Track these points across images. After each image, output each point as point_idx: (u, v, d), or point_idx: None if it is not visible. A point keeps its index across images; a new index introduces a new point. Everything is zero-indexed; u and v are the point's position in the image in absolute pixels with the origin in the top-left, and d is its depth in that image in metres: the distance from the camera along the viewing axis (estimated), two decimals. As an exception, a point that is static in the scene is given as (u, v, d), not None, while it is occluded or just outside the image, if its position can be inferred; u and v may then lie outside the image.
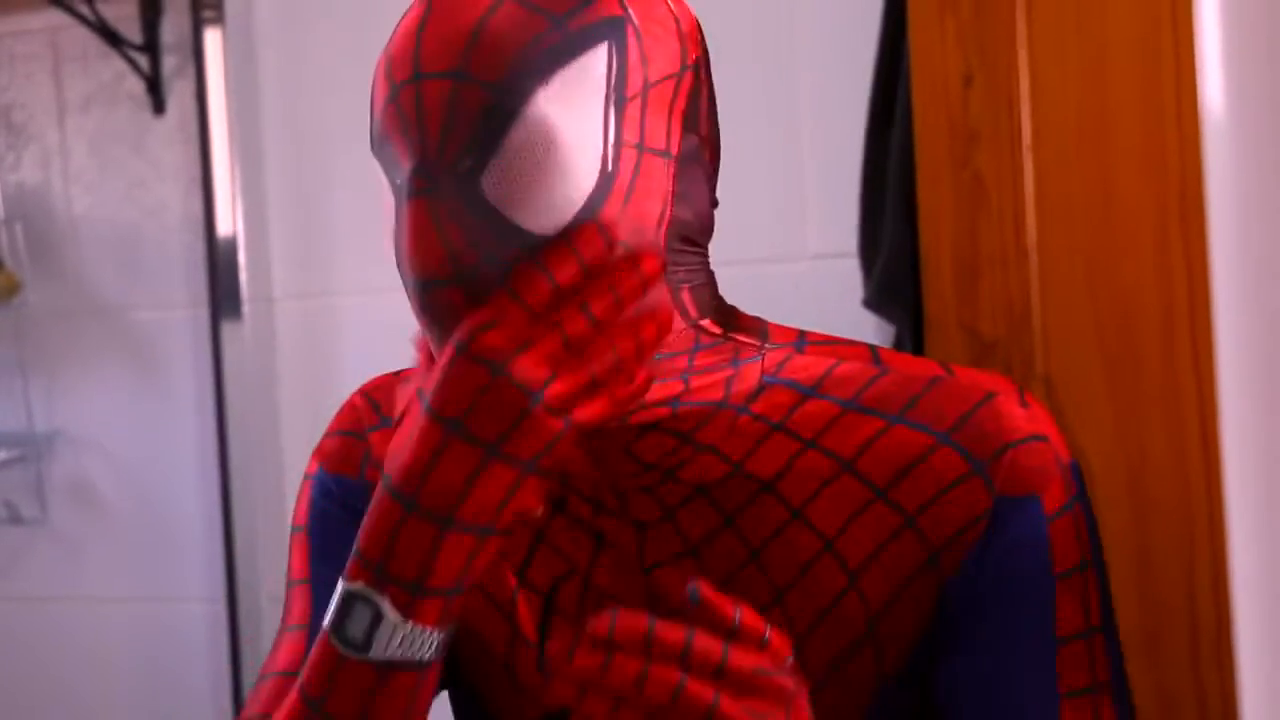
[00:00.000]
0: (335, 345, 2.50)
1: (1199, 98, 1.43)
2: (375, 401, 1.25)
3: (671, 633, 0.94)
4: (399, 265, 1.03)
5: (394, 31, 1.06)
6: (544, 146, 0.99)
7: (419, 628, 1.00)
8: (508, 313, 0.98)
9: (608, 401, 1.00)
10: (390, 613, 1.00)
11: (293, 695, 1.05)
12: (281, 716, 1.05)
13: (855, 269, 1.98)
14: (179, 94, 2.57)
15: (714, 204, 1.13)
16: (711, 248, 1.14)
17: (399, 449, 1.01)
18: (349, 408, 1.26)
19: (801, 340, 1.14)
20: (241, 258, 2.52)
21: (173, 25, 2.57)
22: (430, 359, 1.04)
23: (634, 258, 1.01)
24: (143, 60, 2.56)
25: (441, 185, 0.99)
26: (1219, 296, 0.44)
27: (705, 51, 1.11)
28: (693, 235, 1.09)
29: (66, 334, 2.66)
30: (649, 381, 1.02)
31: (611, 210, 1.01)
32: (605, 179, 1.01)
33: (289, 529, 1.17)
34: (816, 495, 1.08)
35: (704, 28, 1.13)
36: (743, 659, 0.95)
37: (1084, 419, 1.61)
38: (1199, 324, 1.57)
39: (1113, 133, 1.61)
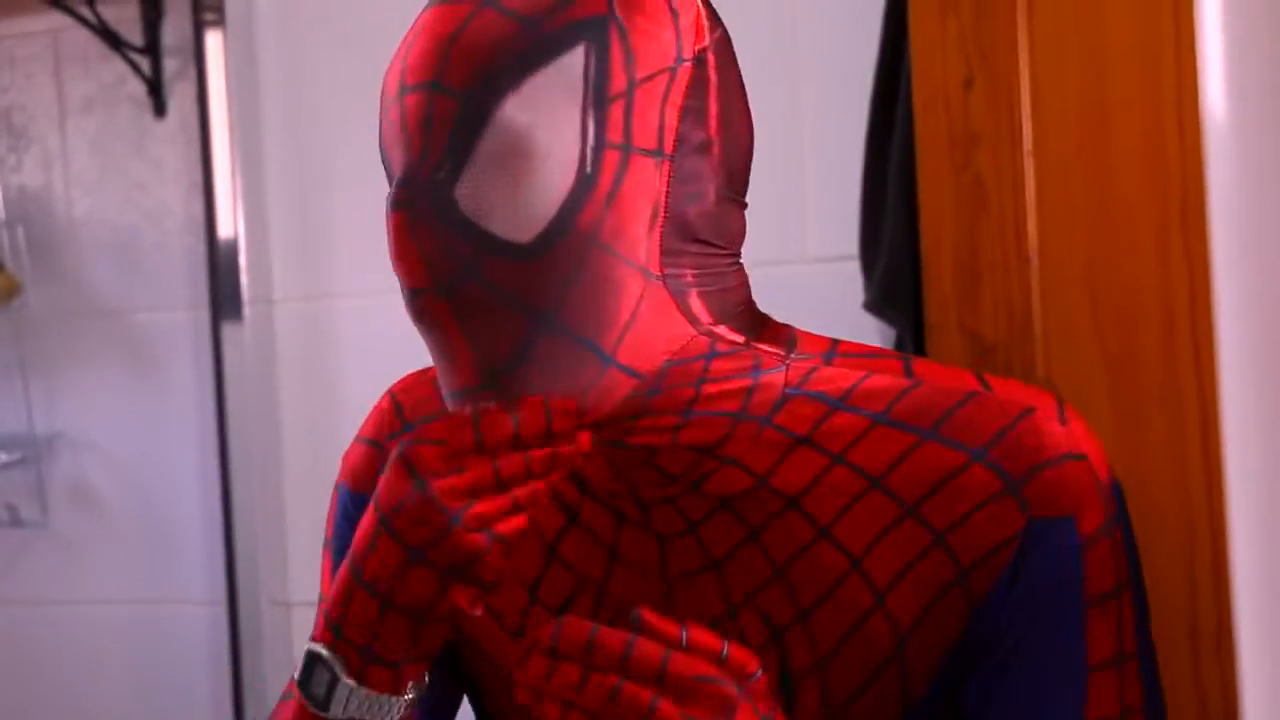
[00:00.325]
0: (336, 348, 2.50)
1: (1200, 100, 1.43)
2: (400, 405, 1.25)
3: (613, 639, 0.96)
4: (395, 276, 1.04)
5: (401, 47, 1.07)
6: (513, 153, 0.99)
7: (373, 693, 1.04)
8: (457, 435, 1.01)
9: (526, 518, 1.03)
10: (344, 676, 1.04)
11: None
12: None
13: (856, 272, 1.98)
14: (180, 96, 2.57)
15: (741, 203, 1.10)
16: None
17: (363, 518, 1.05)
18: (377, 411, 1.27)
19: (832, 351, 1.11)
20: (242, 260, 2.52)
21: (174, 27, 2.57)
22: None
23: (574, 436, 1.02)
24: (144, 62, 2.56)
25: (418, 197, 1.00)
26: (1220, 299, 0.45)
27: (720, 42, 1.08)
28: (704, 235, 1.06)
29: (67, 336, 2.66)
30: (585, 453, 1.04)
31: (591, 214, 1.00)
32: (583, 182, 1.00)
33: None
34: (844, 513, 1.06)
35: (705, 30, 1.12)
36: (684, 666, 0.96)
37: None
38: (1200, 327, 1.57)
39: (1113, 136, 1.61)
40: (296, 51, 2.50)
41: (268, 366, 2.54)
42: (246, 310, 2.52)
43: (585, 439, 1.03)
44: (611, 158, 1.01)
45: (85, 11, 2.52)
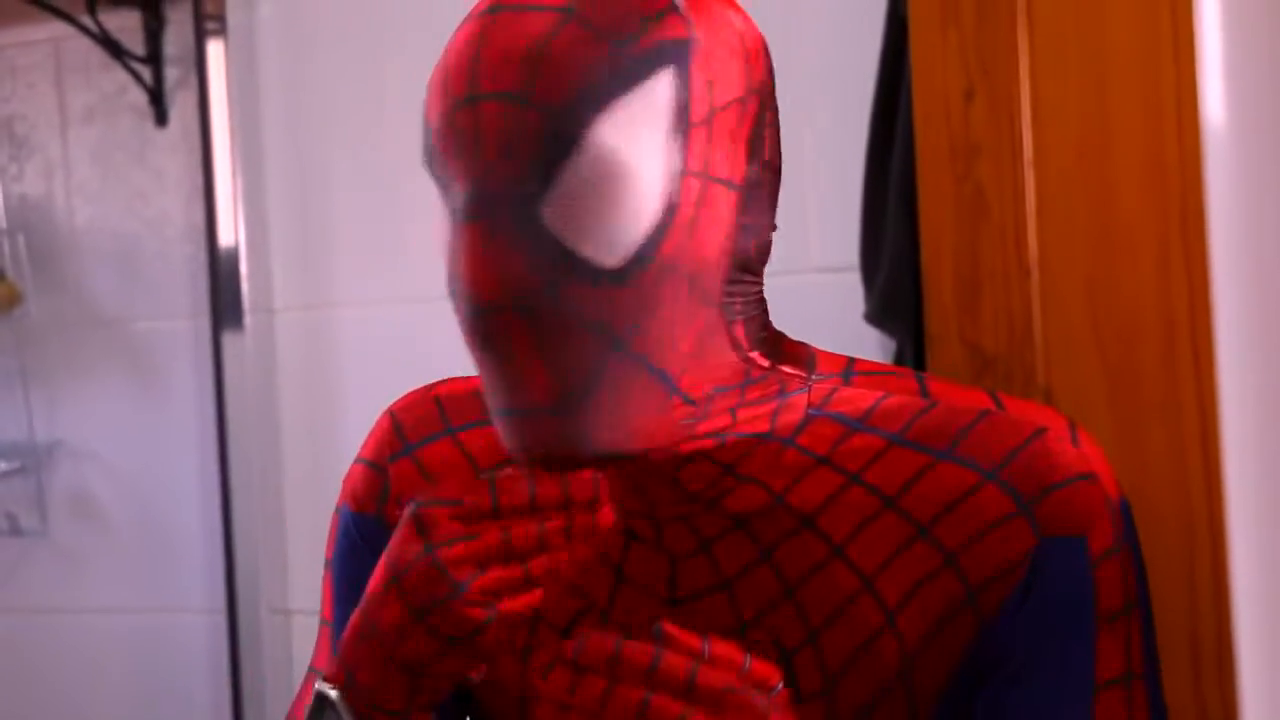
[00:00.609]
0: (336, 357, 2.50)
1: (1200, 111, 1.44)
2: (400, 424, 1.23)
3: (638, 653, 0.95)
4: (451, 287, 1.01)
5: (450, 43, 1.02)
6: (606, 176, 0.97)
7: None
8: (473, 499, 1.01)
9: (539, 594, 1.03)
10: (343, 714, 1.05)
11: None
12: None
13: (858, 282, 1.98)
14: (181, 105, 2.58)
15: (773, 228, 1.11)
16: None
17: (378, 567, 1.06)
18: (377, 431, 1.25)
19: (850, 370, 1.12)
20: (243, 269, 2.52)
21: (175, 37, 2.57)
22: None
23: (595, 505, 1.03)
24: (145, 72, 2.56)
25: (499, 210, 0.97)
26: (1220, 311, 0.45)
27: (771, 73, 1.08)
28: (755, 266, 1.07)
29: (68, 345, 2.66)
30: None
31: (674, 242, 0.99)
32: (668, 211, 0.99)
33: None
34: (858, 532, 1.07)
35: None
36: (713, 677, 0.95)
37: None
38: (1200, 339, 1.57)
39: (1114, 147, 1.61)
40: (298, 61, 2.50)
41: (268, 375, 2.54)
42: (247, 319, 2.52)
43: (607, 513, 1.03)
44: (692, 186, 1.00)
45: (87, 21, 2.52)
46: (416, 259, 2.43)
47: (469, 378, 1.22)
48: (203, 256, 2.55)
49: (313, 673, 1.21)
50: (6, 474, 2.65)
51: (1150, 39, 1.59)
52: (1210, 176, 0.43)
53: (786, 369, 1.10)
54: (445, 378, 1.26)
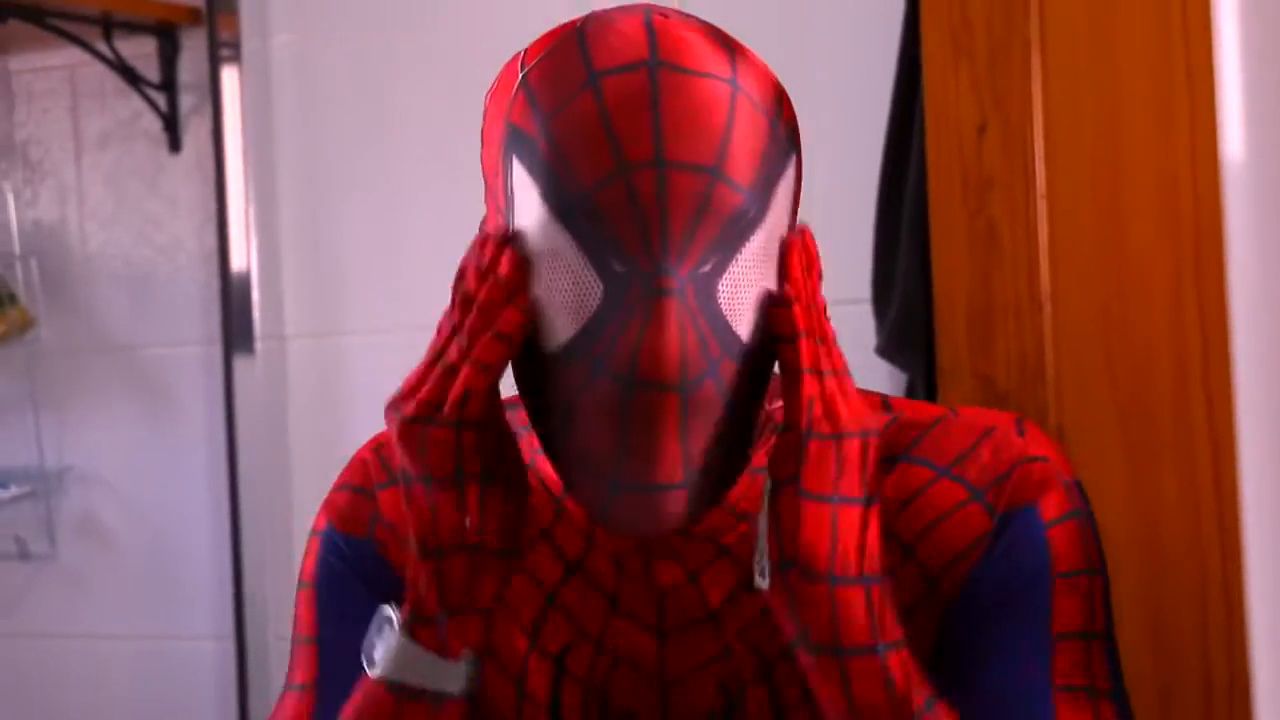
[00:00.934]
0: (347, 385, 2.50)
1: (1217, 146, 1.43)
2: (384, 457, 1.22)
3: None
4: (602, 354, 0.97)
5: (599, 89, 0.97)
6: (765, 257, 0.99)
7: (422, 651, 1.04)
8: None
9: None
10: (397, 628, 1.05)
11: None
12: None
13: (869, 315, 1.97)
14: (195, 132, 2.58)
15: None
16: None
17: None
18: (358, 462, 1.23)
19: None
20: (255, 295, 2.52)
21: (190, 64, 2.58)
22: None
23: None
24: (160, 98, 2.57)
25: (686, 288, 0.96)
26: (1239, 344, 0.44)
27: None
28: None
29: (79, 370, 2.66)
30: None
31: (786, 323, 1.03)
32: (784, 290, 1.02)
33: (297, 566, 1.17)
34: None
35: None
36: None
37: (1097, 469, 1.60)
38: (1213, 374, 1.56)
39: (1127, 182, 1.61)
40: (311, 89, 2.51)
41: (279, 402, 2.54)
42: (258, 346, 2.52)
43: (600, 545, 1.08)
44: None
45: (102, 47, 2.53)
46: (428, 287, 2.43)
47: None
48: (215, 283, 2.55)
49: (294, 689, 1.19)
50: (16, 498, 2.65)
51: (1163, 74, 1.59)
52: (1230, 211, 0.42)
53: (770, 406, 1.12)
54: None
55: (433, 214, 2.42)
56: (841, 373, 1.02)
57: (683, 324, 0.95)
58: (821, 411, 1.00)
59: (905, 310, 1.85)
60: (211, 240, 2.55)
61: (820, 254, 1.05)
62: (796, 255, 1.01)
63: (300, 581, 1.23)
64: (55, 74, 2.67)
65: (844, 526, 0.99)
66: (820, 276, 1.05)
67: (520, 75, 1.01)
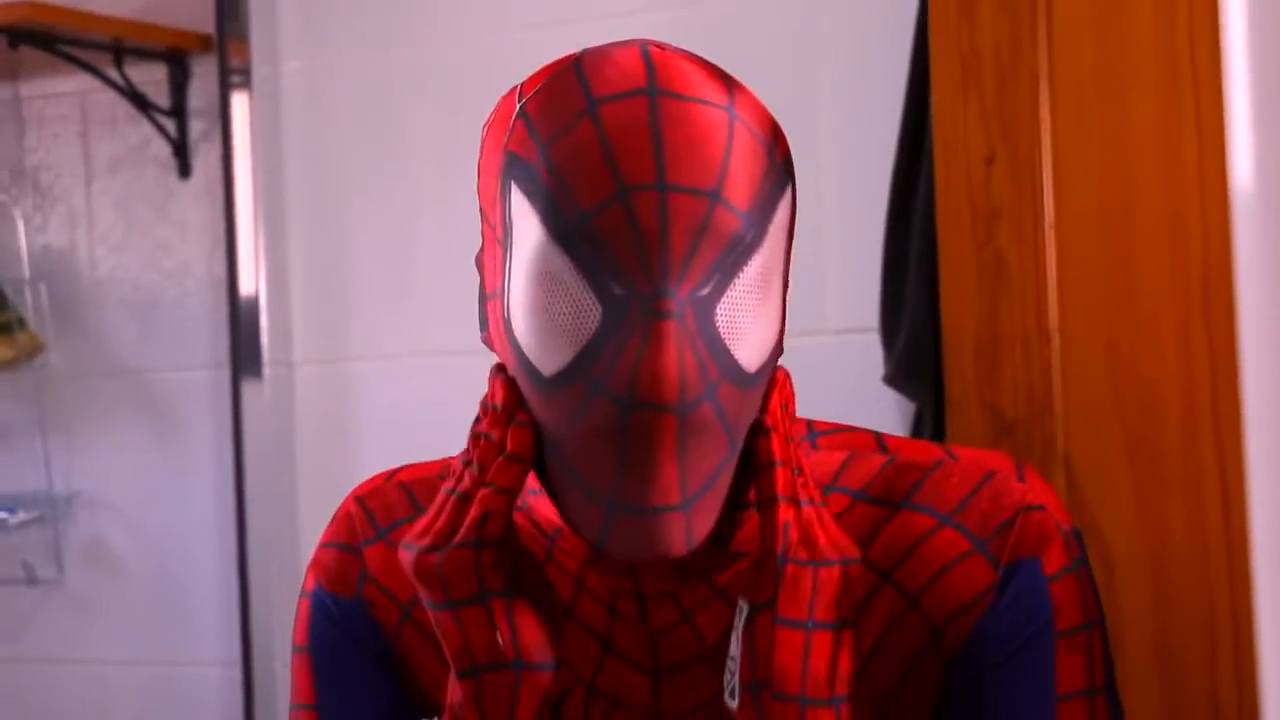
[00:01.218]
0: (355, 411, 2.50)
1: (1225, 178, 1.43)
2: (369, 510, 1.21)
3: None
4: (600, 376, 0.97)
5: (598, 116, 0.98)
6: (763, 282, 1.00)
7: None
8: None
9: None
10: None
11: None
12: None
13: (877, 344, 1.97)
14: (205, 158, 2.59)
15: None
16: None
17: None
18: (344, 517, 1.22)
19: (812, 432, 1.14)
20: (263, 321, 2.52)
21: (200, 90, 2.59)
22: (498, 414, 1.03)
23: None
24: (170, 125, 2.58)
25: (685, 311, 0.97)
26: (1247, 375, 0.44)
27: None
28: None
29: (87, 395, 2.67)
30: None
31: (779, 347, 1.04)
32: (782, 321, 1.04)
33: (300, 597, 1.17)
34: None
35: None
36: None
37: (1104, 500, 1.60)
38: (1221, 405, 1.56)
39: (1135, 213, 1.61)
40: (321, 116, 2.52)
41: (287, 428, 2.54)
42: (267, 371, 2.53)
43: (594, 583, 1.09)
44: (784, 294, 1.06)
45: (113, 74, 2.54)
46: (436, 314, 2.44)
47: (428, 464, 1.22)
48: (223, 308, 2.55)
49: None
50: (24, 523, 2.65)
51: (1171, 105, 1.59)
52: (1238, 242, 0.42)
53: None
54: (401, 465, 1.24)
55: (441, 241, 2.43)
56: (819, 504, 1.03)
57: (681, 346, 0.95)
58: (798, 537, 1.01)
59: (913, 340, 1.85)
60: (220, 266, 2.56)
61: (794, 395, 1.07)
62: (776, 391, 1.03)
63: (294, 646, 1.23)
64: (66, 100, 2.68)
65: (816, 651, 1.00)
66: (794, 416, 1.07)
67: (518, 106, 1.02)
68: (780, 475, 1.02)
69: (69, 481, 2.67)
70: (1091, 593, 1.09)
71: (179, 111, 2.59)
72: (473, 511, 1.02)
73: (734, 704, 1.02)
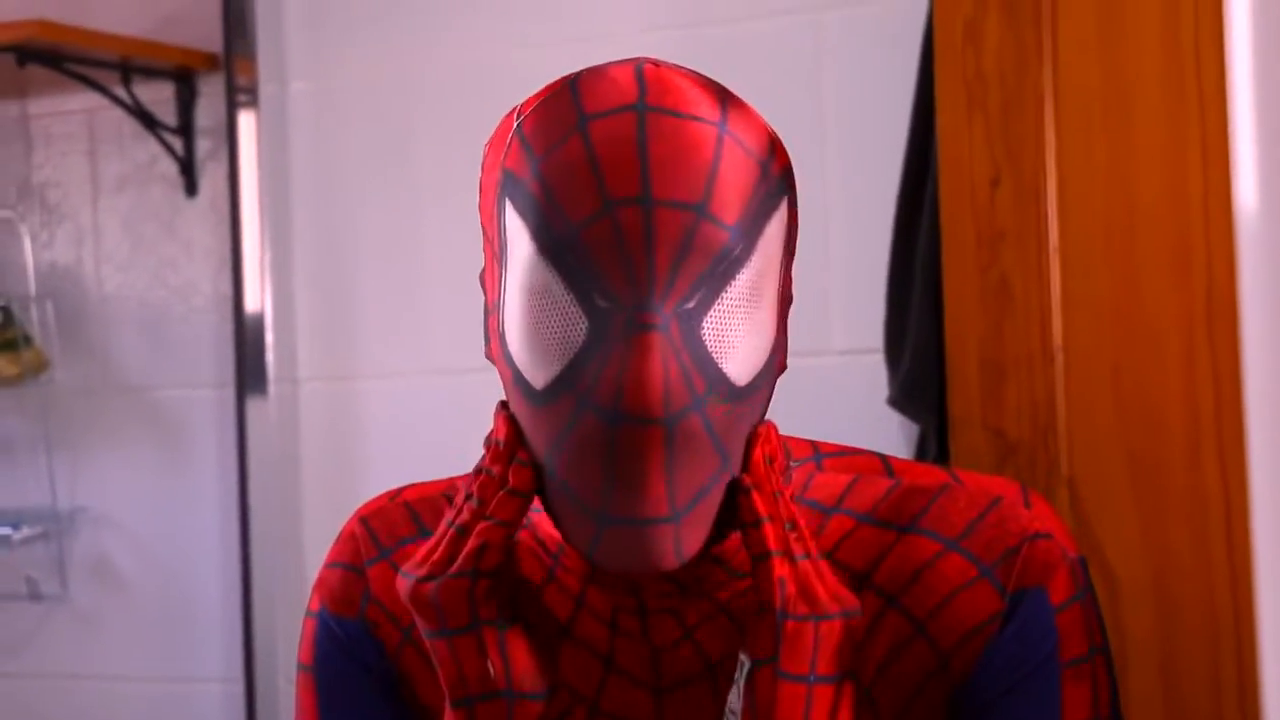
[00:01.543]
0: (359, 428, 2.51)
1: (1230, 200, 1.44)
2: (373, 530, 1.21)
3: None
4: (587, 389, 0.98)
5: (587, 132, 0.99)
6: (753, 296, 1.00)
7: None
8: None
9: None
10: None
11: None
12: None
13: (881, 365, 1.98)
14: (211, 176, 2.60)
15: None
16: None
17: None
18: (347, 537, 1.23)
19: (818, 454, 1.15)
20: (269, 339, 2.53)
21: (207, 109, 2.60)
22: (500, 452, 1.04)
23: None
24: (177, 143, 2.59)
25: (670, 324, 0.97)
26: (1251, 397, 0.45)
27: None
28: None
29: (93, 411, 2.67)
30: None
31: (777, 365, 1.04)
32: (776, 335, 1.04)
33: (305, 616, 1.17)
34: None
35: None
36: None
37: (1108, 522, 1.60)
38: (1225, 427, 1.56)
39: (1140, 236, 1.62)
40: (327, 135, 2.52)
41: (291, 445, 2.54)
42: (272, 389, 2.53)
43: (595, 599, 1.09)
44: (782, 310, 1.06)
45: (121, 92, 2.55)
46: (441, 332, 2.44)
47: (433, 482, 1.23)
48: (229, 326, 2.56)
49: None
50: (28, 539, 2.65)
51: (1176, 128, 1.60)
52: (1243, 264, 0.43)
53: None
54: (406, 484, 1.24)
55: (446, 259, 2.43)
56: (815, 557, 1.03)
57: (665, 358, 0.96)
58: (796, 592, 1.01)
59: (917, 361, 1.85)
60: (226, 283, 2.56)
61: (782, 448, 1.08)
62: (759, 446, 1.03)
63: (299, 664, 1.23)
64: (74, 118, 2.69)
65: (818, 704, 1.00)
66: (783, 470, 1.07)
67: (515, 124, 1.03)
68: (770, 531, 1.02)
69: (73, 498, 2.67)
70: (1096, 620, 1.10)
71: (186, 130, 2.60)
72: (470, 543, 1.03)
73: None
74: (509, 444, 1.03)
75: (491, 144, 1.06)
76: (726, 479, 1.02)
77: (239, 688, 2.55)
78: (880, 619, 1.09)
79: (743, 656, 1.03)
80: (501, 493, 1.03)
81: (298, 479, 2.55)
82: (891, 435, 2.00)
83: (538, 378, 1.00)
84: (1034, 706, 1.07)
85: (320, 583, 1.22)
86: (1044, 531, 1.08)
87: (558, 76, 1.06)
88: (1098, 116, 1.64)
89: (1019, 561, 1.07)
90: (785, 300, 1.06)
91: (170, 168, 2.61)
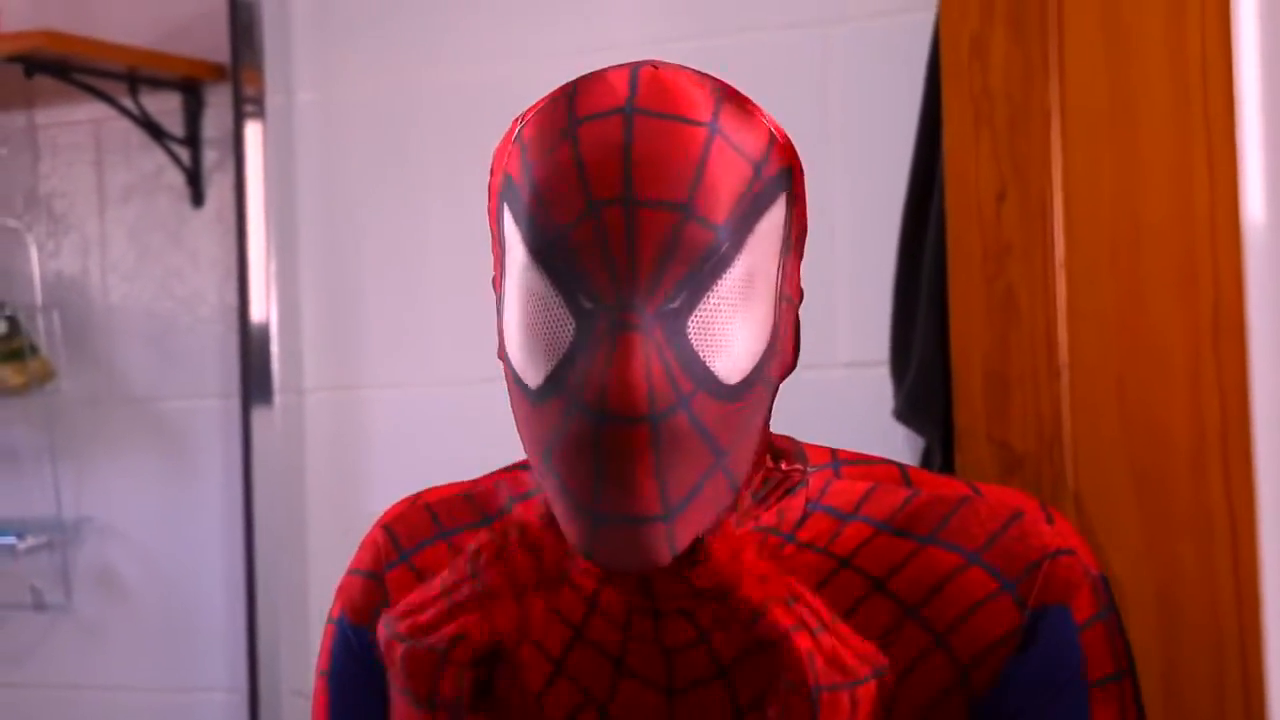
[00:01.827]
0: (365, 439, 2.51)
1: (1237, 215, 1.44)
2: (394, 535, 1.22)
3: None
4: (575, 388, 0.99)
5: (576, 136, 1.00)
6: (743, 295, 1.00)
7: None
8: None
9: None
10: None
11: None
12: None
13: (886, 378, 1.98)
14: (218, 186, 2.60)
15: None
16: None
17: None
18: (370, 544, 1.24)
19: (836, 461, 1.14)
20: (274, 349, 2.53)
21: (214, 119, 2.60)
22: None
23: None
24: (183, 153, 2.59)
25: (653, 323, 0.98)
26: (1257, 412, 0.45)
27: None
28: (787, 372, 1.10)
29: (98, 421, 2.67)
30: None
31: (775, 364, 1.04)
32: (774, 332, 1.04)
33: (311, 621, 1.18)
34: (849, 615, 1.08)
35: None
36: None
37: (1113, 536, 1.60)
38: (1231, 442, 1.56)
39: (1146, 250, 1.62)
40: (334, 146, 2.53)
41: (296, 456, 2.54)
42: (277, 399, 2.53)
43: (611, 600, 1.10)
44: (784, 310, 1.06)
45: (128, 103, 2.55)
46: (447, 343, 2.44)
47: (453, 484, 1.23)
48: (234, 336, 2.56)
49: None
50: (33, 549, 2.65)
51: (1183, 143, 1.60)
52: (1250, 279, 0.43)
53: (784, 465, 1.13)
54: (429, 486, 1.25)
55: (453, 270, 2.43)
56: (832, 624, 1.03)
57: (648, 358, 0.97)
58: (824, 663, 1.01)
59: (923, 375, 1.85)
60: (232, 294, 2.57)
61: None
62: (746, 549, 1.04)
63: (317, 670, 1.25)
64: (81, 128, 2.69)
65: None
66: (773, 550, 1.08)
67: (518, 130, 1.05)
68: (777, 614, 1.02)
69: (78, 507, 2.68)
70: (1122, 641, 1.09)
71: (193, 140, 2.60)
72: (451, 627, 1.05)
73: None
74: (533, 541, 1.06)
75: (497, 151, 1.08)
76: (724, 476, 1.02)
77: (242, 698, 2.55)
78: (898, 629, 1.08)
79: None
80: (486, 624, 1.05)
81: (302, 489, 2.55)
82: (897, 448, 2.00)
83: (532, 378, 1.01)
84: None
85: (341, 589, 1.24)
86: (1066, 548, 1.08)
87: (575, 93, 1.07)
88: (1104, 131, 1.64)
89: (1041, 577, 1.06)
90: (787, 298, 1.06)
91: (177, 178, 2.61)
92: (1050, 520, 1.09)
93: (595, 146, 0.99)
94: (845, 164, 2.17)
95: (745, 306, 1.01)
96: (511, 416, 1.07)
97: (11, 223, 2.72)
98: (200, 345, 2.61)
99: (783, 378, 1.09)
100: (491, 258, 1.10)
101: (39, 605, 2.67)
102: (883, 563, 1.09)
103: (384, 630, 1.06)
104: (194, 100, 2.60)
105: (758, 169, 1.01)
